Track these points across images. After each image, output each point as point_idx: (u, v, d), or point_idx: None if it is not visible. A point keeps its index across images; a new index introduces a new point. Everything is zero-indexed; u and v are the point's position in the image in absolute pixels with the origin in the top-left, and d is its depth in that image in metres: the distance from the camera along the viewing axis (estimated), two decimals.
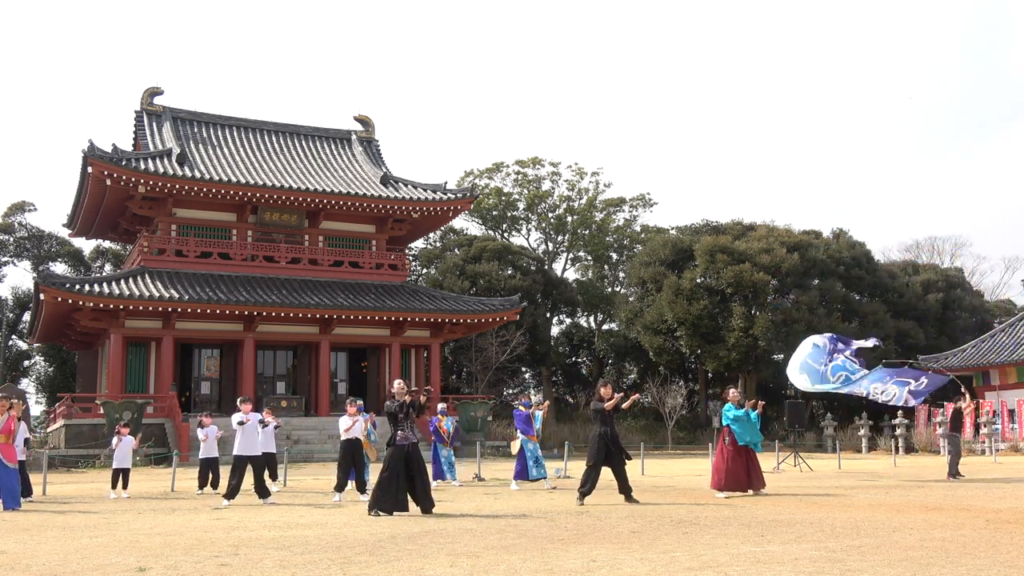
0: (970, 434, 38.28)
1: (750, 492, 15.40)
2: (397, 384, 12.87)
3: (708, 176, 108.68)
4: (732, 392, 16.04)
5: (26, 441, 16.45)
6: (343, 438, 15.79)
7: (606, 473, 14.48)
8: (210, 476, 18.34)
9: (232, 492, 15.08)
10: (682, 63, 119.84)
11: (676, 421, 45.92)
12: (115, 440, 18.09)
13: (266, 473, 17.54)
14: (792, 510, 12.66)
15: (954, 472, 20.52)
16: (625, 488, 14.22)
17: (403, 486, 12.31)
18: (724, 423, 15.79)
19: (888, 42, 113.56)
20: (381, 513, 12.09)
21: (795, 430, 30.99)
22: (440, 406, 21.02)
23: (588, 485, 13.96)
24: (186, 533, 10.70)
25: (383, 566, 7.88)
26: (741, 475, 15.35)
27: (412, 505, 12.56)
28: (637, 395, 15.42)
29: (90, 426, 32.57)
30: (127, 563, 8.28)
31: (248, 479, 15.44)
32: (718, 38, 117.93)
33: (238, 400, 16.24)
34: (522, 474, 18.10)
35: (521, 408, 18.44)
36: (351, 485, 16.41)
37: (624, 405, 14.48)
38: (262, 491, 15.35)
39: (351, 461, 15.81)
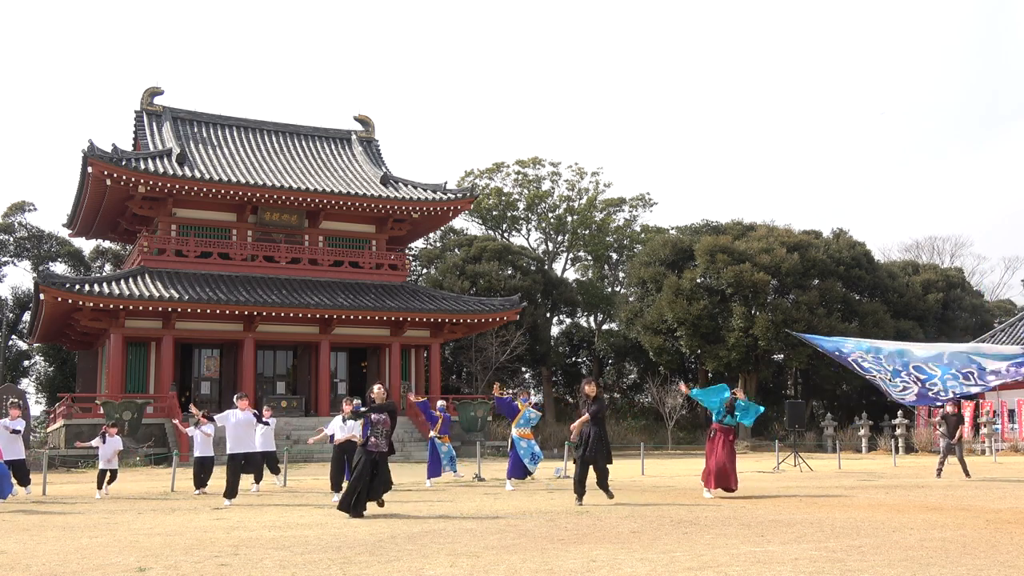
0: (969, 434, 38.29)
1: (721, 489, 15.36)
2: (377, 389, 13.04)
3: (708, 176, 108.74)
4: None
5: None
6: (337, 439, 15.76)
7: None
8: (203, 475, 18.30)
9: (231, 491, 15.06)
10: (682, 63, 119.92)
11: (676, 421, 45.92)
12: (96, 440, 17.99)
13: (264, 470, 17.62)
14: (792, 510, 12.66)
15: (965, 472, 20.94)
16: (602, 484, 14.11)
17: (365, 494, 12.47)
18: (730, 422, 15.77)
19: (888, 42, 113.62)
20: (344, 514, 12.24)
21: (795, 430, 30.99)
22: (440, 403, 21.05)
23: (577, 484, 13.92)
24: (186, 533, 10.69)
25: (383, 566, 7.88)
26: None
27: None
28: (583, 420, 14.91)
29: (90, 426, 32.52)
30: (127, 563, 8.27)
31: (247, 478, 15.43)
32: (718, 38, 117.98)
33: (235, 397, 16.20)
34: (515, 471, 17.97)
35: (519, 404, 18.32)
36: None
37: (573, 426, 14.28)
38: (258, 478, 15.34)
39: (343, 460, 15.77)
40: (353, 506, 12.26)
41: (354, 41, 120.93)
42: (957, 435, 21.90)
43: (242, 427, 15.40)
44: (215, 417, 15.56)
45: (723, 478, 15.25)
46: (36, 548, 9.47)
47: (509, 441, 18.19)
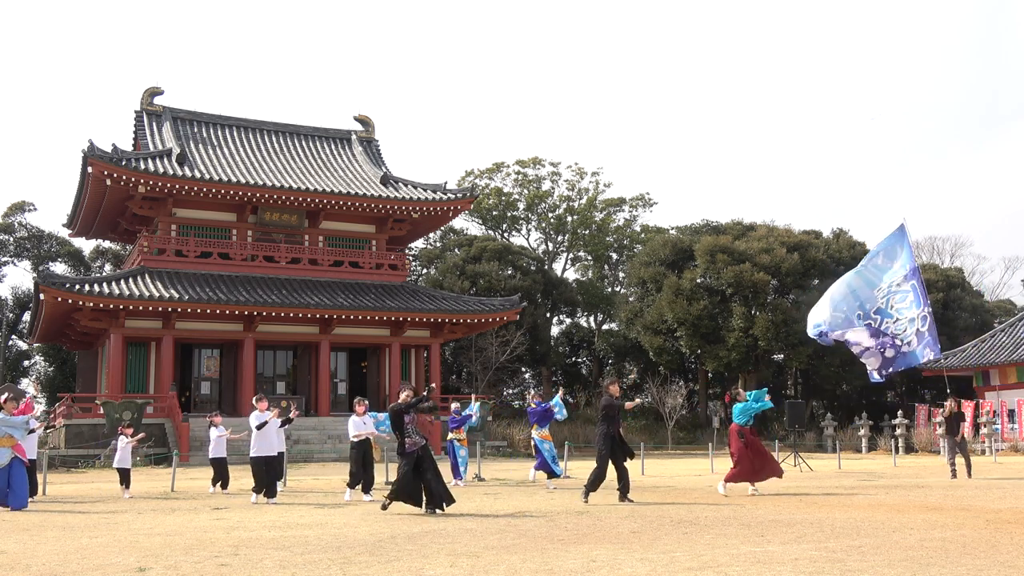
0: (969, 434, 38.24)
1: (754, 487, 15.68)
2: (404, 394, 13.21)
3: (708, 176, 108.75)
4: (742, 392, 16.32)
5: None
6: (353, 440, 15.72)
7: (610, 472, 14.50)
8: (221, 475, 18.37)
9: (272, 491, 15.25)
10: (681, 63, 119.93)
11: (676, 421, 45.93)
12: (122, 440, 18.12)
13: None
14: (792, 510, 12.66)
15: (968, 472, 20.95)
16: (624, 487, 14.22)
17: (418, 484, 12.76)
18: (743, 422, 15.88)
19: (888, 42, 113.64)
20: (392, 501, 12.63)
21: (795, 430, 30.98)
22: (454, 405, 21.13)
23: (595, 483, 14.07)
24: (186, 533, 10.69)
25: (383, 566, 7.88)
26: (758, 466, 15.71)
27: (408, 506, 12.65)
28: (637, 401, 15.99)
29: (90, 426, 32.56)
30: (127, 563, 8.27)
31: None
32: (718, 39, 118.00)
33: (254, 399, 16.20)
34: (544, 468, 18.28)
35: (532, 405, 18.54)
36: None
37: (628, 406, 14.97)
38: (271, 490, 15.36)
39: (361, 458, 15.74)
40: (398, 494, 12.65)
41: (354, 41, 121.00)
42: (960, 433, 21.82)
43: (268, 431, 15.46)
44: (252, 421, 15.56)
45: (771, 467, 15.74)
46: (36, 548, 9.47)
47: (533, 445, 18.42)
